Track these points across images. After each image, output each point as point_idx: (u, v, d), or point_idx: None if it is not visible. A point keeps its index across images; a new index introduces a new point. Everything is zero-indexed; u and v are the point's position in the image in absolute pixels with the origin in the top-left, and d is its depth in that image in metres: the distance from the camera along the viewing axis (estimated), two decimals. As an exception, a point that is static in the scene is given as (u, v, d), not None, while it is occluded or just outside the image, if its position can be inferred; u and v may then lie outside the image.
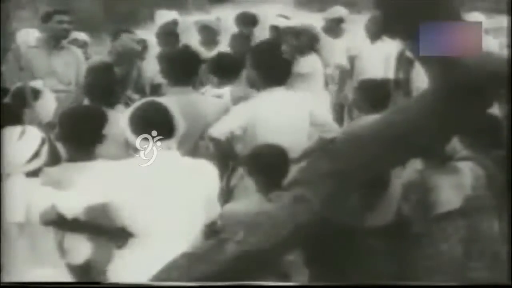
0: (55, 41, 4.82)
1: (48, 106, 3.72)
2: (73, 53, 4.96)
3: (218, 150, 3.69)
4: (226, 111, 3.85)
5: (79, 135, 3.05)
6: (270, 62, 3.93)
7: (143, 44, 5.34)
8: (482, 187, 3.42)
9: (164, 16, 6.20)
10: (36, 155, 2.68)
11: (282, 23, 6.18)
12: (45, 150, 2.73)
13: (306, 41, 5.58)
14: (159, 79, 4.60)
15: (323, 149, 2.79)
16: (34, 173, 2.70)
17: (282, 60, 4.05)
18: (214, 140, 3.65)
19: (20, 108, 3.45)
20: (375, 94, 3.89)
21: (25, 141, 2.67)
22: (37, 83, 3.91)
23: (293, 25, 5.91)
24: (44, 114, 3.57)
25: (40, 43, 4.81)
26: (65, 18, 4.85)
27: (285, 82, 3.90)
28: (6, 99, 3.72)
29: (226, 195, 3.30)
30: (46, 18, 4.81)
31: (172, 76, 4.01)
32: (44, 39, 4.82)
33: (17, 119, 3.20)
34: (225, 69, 4.58)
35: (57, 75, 4.67)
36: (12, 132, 2.67)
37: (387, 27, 2.53)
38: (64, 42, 4.93)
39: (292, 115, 3.79)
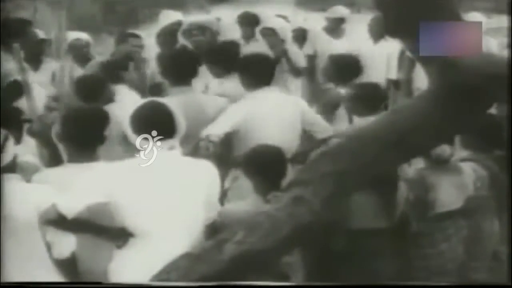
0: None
1: (35, 101, 3.65)
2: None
3: (213, 151, 3.69)
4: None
5: (82, 135, 3.05)
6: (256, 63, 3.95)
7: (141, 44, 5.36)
8: (484, 188, 3.42)
9: (169, 16, 6.19)
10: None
11: (280, 23, 6.19)
12: (10, 146, 2.71)
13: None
14: (160, 79, 4.60)
15: (323, 149, 2.78)
16: (10, 169, 2.69)
17: (268, 61, 4.08)
18: (209, 142, 3.65)
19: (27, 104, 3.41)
20: (370, 97, 3.89)
21: None
22: (25, 77, 3.83)
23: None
24: (31, 109, 3.52)
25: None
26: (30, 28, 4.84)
27: (271, 82, 3.92)
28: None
29: (220, 197, 3.29)
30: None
31: (172, 76, 4.02)
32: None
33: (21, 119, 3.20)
34: None
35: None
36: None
37: (387, 27, 2.52)
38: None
39: (284, 115, 3.79)
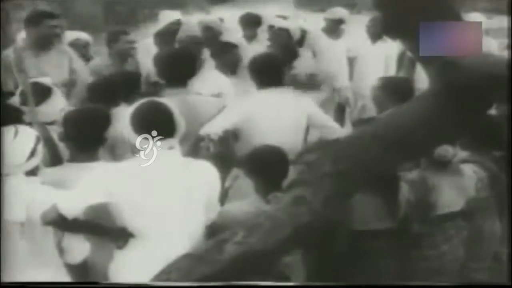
0: (42, 43, 4.77)
1: (58, 104, 3.64)
2: (65, 53, 4.91)
3: (214, 151, 3.69)
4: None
5: (83, 136, 3.05)
6: (265, 63, 3.95)
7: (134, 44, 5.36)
8: (485, 189, 3.43)
9: (168, 16, 6.21)
10: (32, 154, 2.67)
11: (280, 23, 6.20)
12: (40, 148, 2.73)
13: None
14: (156, 78, 4.60)
15: (323, 149, 2.78)
16: (32, 172, 2.70)
17: (276, 61, 4.07)
18: (205, 139, 3.66)
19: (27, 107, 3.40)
20: (397, 91, 3.88)
21: (20, 141, 2.67)
22: (46, 80, 3.78)
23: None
24: (53, 113, 3.51)
25: (27, 45, 4.77)
26: (54, 22, 4.81)
27: (280, 83, 3.92)
28: (13, 99, 3.67)
29: (221, 196, 3.30)
30: (34, 20, 4.76)
31: (168, 76, 4.01)
32: (31, 41, 4.76)
33: (22, 119, 3.20)
34: None
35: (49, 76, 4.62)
36: (6, 133, 2.67)
37: (386, 28, 2.52)
38: (54, 44, 4.89)
39: (288, 116, 3.79)
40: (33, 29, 4.70)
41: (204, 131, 3.68)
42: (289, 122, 3.79)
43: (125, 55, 5.20)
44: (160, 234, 2.69)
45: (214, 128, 3.68)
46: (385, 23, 2.52)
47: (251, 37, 6.17)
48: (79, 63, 4.94)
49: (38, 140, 2.72)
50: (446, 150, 3.27)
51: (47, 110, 3.42)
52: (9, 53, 4.13)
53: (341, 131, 3.88)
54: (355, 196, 2.53)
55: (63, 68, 4.77)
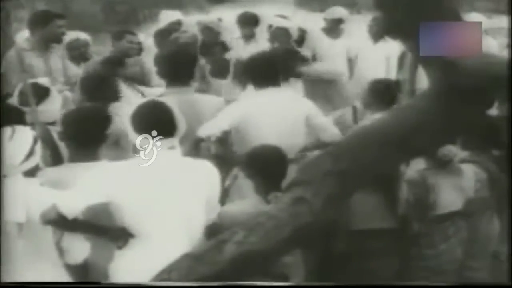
0: (49, 43, 4.78)
1: (55, 104, 3.64)
2: (61, 55, 4.92)
3: (213, 151, 3.69)
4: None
5: (83, 135, 3.05)
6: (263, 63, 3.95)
7: (140, 45, 5.36)
8: (484, 189, 3.43)
9: (168, 16, 6.21)
10: (30, 154, 2.66)
11: (279, 23, 6.19)
12: (39, 148, 2.72)
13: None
14: (157, 78, 4.60)
15: (323, 149, 2.78)
16: (31, 173, 2.69)
17: (275, 61, 4.07)
18: (202, 140, 3.66)
19: (26, 107, 3.39)
20: (385, 94, 3.87)
21: (17, 141, 2.65)
22: (43, 80, 3.78)
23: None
24: (51, 113, 3.51)
25: (30, 45, 4.77)
26: (61, 22, 4.81)
27: (278, 83, 3.91)
28: (12, 99, 3.66)
29: (222, 195, 3.29)
30: (42, 20, 4.77)
31: (169, 76, 4.01)
32: (37, 41, 4.76)
33: (23, 119, 3.19)
34: None
35: (51, 75, 4.61)
36: (3, 133, 2.66)
37: (386, 28, 2.52)
38: (59, 44, 4.90)
39: (287, 116, 3.78)
40: (40, 29, 4.71)
41: (202, 132, 3.68)
42: (287, 122, 3.79)
43: (127, 54, 5.19)
44: (160, 234, 2.69)
45: (212, 128, 3.67)
46: (385, 23, 2.52)
47: (249, 36, 6.17)
48: (71, 66, 4.96)
49: (35, 140, 2.71)
50: (449, 150, 3.27)
51: (46, 110, 3.41)
52: (11, 53, 4.12)
53: (339, 135, 3.85)
54: (354, 196, 2.54)
55: (61, 68, 4.79)
